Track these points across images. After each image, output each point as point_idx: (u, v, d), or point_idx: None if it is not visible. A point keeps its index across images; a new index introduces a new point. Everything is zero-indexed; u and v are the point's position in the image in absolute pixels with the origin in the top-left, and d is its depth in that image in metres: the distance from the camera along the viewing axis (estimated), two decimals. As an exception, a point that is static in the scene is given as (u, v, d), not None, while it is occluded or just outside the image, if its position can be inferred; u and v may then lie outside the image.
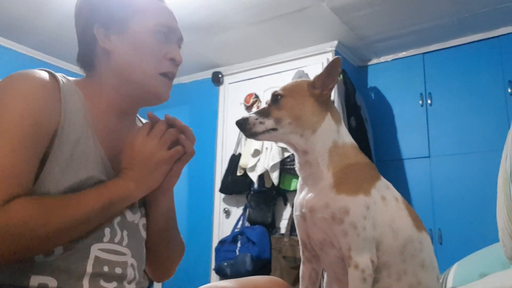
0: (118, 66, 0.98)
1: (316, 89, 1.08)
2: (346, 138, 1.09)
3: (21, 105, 0.83)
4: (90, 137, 0.92)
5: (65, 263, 0.85)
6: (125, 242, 0.95)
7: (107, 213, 0.90)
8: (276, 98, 1.08)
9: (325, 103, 1.09)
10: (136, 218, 1.00)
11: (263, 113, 1.07)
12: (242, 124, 1.07)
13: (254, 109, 3.69)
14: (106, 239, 0.91)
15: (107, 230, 0.92)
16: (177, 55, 1.02)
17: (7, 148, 0.80)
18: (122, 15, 0.98)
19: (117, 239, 0.93)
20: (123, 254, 0.94)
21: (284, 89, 1.09)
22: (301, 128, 1.06)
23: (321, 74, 1.07)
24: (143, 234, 1.03)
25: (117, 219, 0.94)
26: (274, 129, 1.06)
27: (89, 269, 0.87)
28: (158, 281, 1.16)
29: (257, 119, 1.06)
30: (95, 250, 0.89)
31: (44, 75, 0.90)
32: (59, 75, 0.93)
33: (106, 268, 0.89)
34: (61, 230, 0.81)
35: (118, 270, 0.92)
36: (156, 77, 1.00)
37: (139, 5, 1.00)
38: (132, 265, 0.96)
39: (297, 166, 1.12)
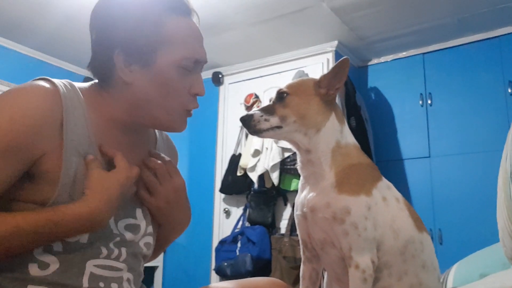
0: (136, 99, 0.92)
1: (322, 88, 1.06)
2: (349, 138, 1.09)
3: (4, 126, 0.79)
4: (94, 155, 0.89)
5: (61, 278, 0.84)
6: (122, 257, 0.93)
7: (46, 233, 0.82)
8: (281, 95, 1.07)
9: (330, 103, 1.08)
10: (137, 237, 0.98)
11: (268, 111, 1.06)
12: (247, 121, 1.05)
13: (255, 109, 3.67)
14: (102, 255, 0.90)
15: (103, 249, 0.90)
16: (200, 89, 0.96)
17: None
18: (148, 46, 0.90)
19: (113, 256, 0.92)
20: (119, 269, 0.93)
21: (290, 87, 1.08)
22: (306, 127, 1.05)
23: (328, 73, 1.06)
24: (145, 251, 1.01)
25: (114, 240, 0.92)
26: (278, 127, 1.05)
27: (85, 284, 0.86)
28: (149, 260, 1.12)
29: (262, 116, 1.05)
30: (91, 266, 0.87)
31: (46, 92, 0.85)
32: (62, 84, 0.89)
33: (101, 284, 0.88)
34: None
35: (114, 286, 0.91)
36: (177, 113, 0.96)
37: (167, 36, 0.91)
38: (128, 279, 0.94)
39: (298, 165, 1.10)
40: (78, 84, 0.94)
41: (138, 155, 1.00)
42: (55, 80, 0.89)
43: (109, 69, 0.92)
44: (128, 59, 0.90)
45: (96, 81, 0.98)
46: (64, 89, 0.88)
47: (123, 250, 0.94)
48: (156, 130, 1.12)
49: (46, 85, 0.86)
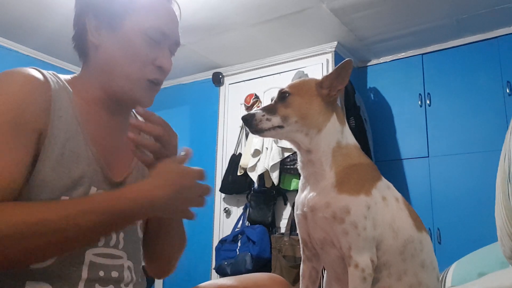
0: (103, 63, 0.94)
1: (324, 89, 1.07)
2: (350, 138, 1.09)
3: (6, 106, 0.80)
4: (80, 134, 0.89)
5: (60, 269, 0.83)
6: (121, 245, 0.93)
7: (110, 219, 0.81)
8: (283, 95, 1.07)
9: (331, 104, 1.08)
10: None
11: (270, 110, 1.06)
12: (248, 120, 1.05)
13: (257, 109, 3.67)
14: (100, 243, 0.89)
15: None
16: (165, 62, 0.96)
17: None
18: (117, 11, 0.93)
19: (112, 243, 0.92)
20: (119, 257, 0.92)
21: (292, 87, 1.08)
22: (307, 127, 1.05)
23: (330, 74, 1.06)
24: (140, 234, 1.01)
25: None
26: (280, 127, 1.05)
27: (84, 274, 0.85)
28: (159, 278, 1.12)
29: (264, 115, 1.05)
30: (90, 255, 0.87)
31: (34, 73, 0.87)
32: (49, 73, 0.91)
33: (101, 273, 0.88)
34: (40, 234, 0.74)
35: (114, 274, 0.90)
36: (139, 82, 0.95)
37: (137, 4, 0.94)
38: (128, 267, 0.94)
39: (299, 165, 1.11)
40: (61, 76, 0.96)
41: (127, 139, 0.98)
42: (39, 69, 0.91)
43: (83, 36, 0.95)
44: (98, 23, 0.93)
45: (76, 73, 1.00)
46: (50, 75, 0.91)
47: (121, 236, 0.93)
48: (140, 119, 1.09)
49: (32, 70, 0.89)
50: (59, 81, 0.92)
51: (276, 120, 1.05)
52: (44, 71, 0.90)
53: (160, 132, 0.89)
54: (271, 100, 1.10)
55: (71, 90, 0.92)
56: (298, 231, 1.12)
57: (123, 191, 0.83)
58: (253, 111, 1.07)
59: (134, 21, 0.93)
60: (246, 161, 3.61)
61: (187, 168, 0.88)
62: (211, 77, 4.22)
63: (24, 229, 0.72)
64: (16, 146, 0.79)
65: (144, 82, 0.95)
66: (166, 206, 0.84)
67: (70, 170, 0.85)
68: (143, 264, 1.07)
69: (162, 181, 0.84)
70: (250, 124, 1.06)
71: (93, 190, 0.89)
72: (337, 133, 1.07)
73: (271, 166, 3.38)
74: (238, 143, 3.92)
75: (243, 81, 4.10)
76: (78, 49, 0.99)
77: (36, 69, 0.89)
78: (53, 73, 0.93)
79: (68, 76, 0.98)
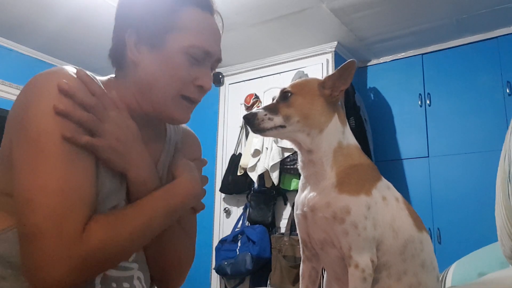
0: (141, 80, 0.92)
1: (326, 89, 1.06)
2: (351, 139, 1.09)
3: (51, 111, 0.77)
4: None
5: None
6: (132, 257, 0.93)
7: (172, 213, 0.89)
8: (285, 95, 1.06)
9: (333, 104, 1.07)
10: None
11: (272, 110, 1.05)
12: (250, 119, 1.04)
13: (258, 108, 3.67)
14: None
15: None
16: (206, 82, 0.94)
17: (63, 167, 0.75)
18: (159, 28, 0.90)
19: None
20: (130, 268, 0.92)
21: (294, 86, 1.07)
22: (309, 127, 1.05)
23: (333, 75, 1.05)
24: None
25: None
26: (282, 126, 1.04)
27: (98, 286, 0.85)
28: None
29: (266, 115, 1.04)
30: None
31: (74, 75, 0.84)
32: (87, 74, 0.89)
33: (114, 285, 0.87)
34: (132, 241, 0.81)
35: (126, 285, 0.90)
36: (175, 100, 0.93)
37: (180, 22, 0.91)
38: (138, 278, 0.94)
39: (300, 165, 1.10)
40: (98, 77, 0.94)
41: (152, 150, 0.99)
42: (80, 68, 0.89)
43: (121, 50, 0.93)
44: (138, 39, 0.91)
45: (113, 75, 0.98)
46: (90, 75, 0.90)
47: None
48: (168, 126, 1.10)
49: (71, 69, 0.86)
50: (98, 82, 0.90)
51: (278, 120, 1.04)
52: (84, 71, 0.88)
53: (92, 102, 0.82)
54: (273, 100, 1.09)
55: (105, 92, 0.90)
56: (298, 231, 1.11)
57: (172, 189, 0.90)
58: (255, 110, 1.06)
59: (176, 40, 0.91)
60: (246, 161, 3.61)
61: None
62: (211, 77, 4.22)
63: (137, 234, 0.82)
64: (80, 159, 0.78)
65: (181, 100, 0.94)
66: (200, 198, 0.95)
67: (104, 184, 0.85)
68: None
69: (194, 177, 0.93)
70: (252, 123, 1.05)
71: (123, 205, 0.89)
72: (338, 133, 1.07)
73: (271, 166, 3.39)
74: (238, 143, 3.92)
75: (243, 81, 4.10)
76: (115, 61, 0.97)
77: (78, 69, 0.87)
78: (92, 74, 0.91)
79: (104, 78, 0.96)
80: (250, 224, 3.54)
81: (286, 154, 3.40)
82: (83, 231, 0.74)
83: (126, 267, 0.91)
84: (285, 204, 3.58)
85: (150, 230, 0.85)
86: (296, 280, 3.06)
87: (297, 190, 1.12)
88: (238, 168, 3.70)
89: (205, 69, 0.95)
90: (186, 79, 0.92)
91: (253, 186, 3.60)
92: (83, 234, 0.74)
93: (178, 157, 1.02)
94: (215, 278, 3.71)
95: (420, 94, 3.66)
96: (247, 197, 3.68)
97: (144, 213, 0.83)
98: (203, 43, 0.92)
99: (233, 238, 3.54)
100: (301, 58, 3.82)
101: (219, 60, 0.99)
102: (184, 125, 1.16)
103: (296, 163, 1.11)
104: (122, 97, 0.93)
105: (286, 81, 3.57)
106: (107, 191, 0.85)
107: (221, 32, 1.00)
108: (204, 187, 0.99)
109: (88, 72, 0.89)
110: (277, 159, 3.38)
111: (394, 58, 3.88)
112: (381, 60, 3.95)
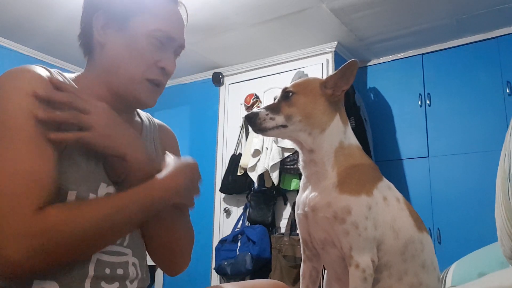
0: (108, 61, 0.96)
1: (328, 89, 1.07)
2: (352, 139, 1.09)
3: (25, 102, 0.80)
4: None
5: (67, 267, 0.83)
6: (126, 242, 0.94)
7: (148, 209, 0.89)
8: (287, 94, 1.06)
9: (335, 104, 1.08)
10: None
11: (274, 109, 1.05)
12: (252, 119, 1.05)
13: (260, 108, 3.67)
14: None
15: None
16: (168, 64, 0.98)
17: (23, 150, 0.78)
18: (124, 11, 0.95)
19: (118, 241, 0.92)
20: (124, 254, 0.93)
21: (296, 86, 1.07)
22: (311, 127, 1.05)
23: (335, 74, 1.05)
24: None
25: None
26: (284, 126, 1.04)
27: (91, 272, 0.86)
28: (176, 273, 1.11)
29: (267, 114, 1.04)
30: (97, 253, 0.87)
31: (41, 71, 0.87)
32: (54, 71, 0.91)
33: (107, 270, 0.88)
34: (96, 229, 0.80)
35: (119, 271, 0.91)
36: (141, 82, 0.96)
37: (144, 5, 0.96)
38: (133, 263, 0.95)
39: (301, 164, 1.10)
40: (66, 74, 0.97)
41: None
42: (45, 67, 0.92)
43: (89, 33, 0.97)
44: (105, 22, 0.95)
45: (80, 72, 1.01)
46: (56, 73, 0.92)
47: None
48: (143, 118, 1.12)
49: (39, 67, 0.89)
50: (65, 79, 0.93)
51: (280, 119, 1.04)
52: (50, 69, 0.91)
53: (68, 99, 0.85)
54: (274, 99, 1.09)
55: (76, 87, 0.92)
56: (298, 231, 1.12)
57: (151, 183, 0.89)
58: (256, 110, 1.06)
59: (141, 22, 0.95)
60: (246, 161, 3.61)
61: (192, 162, 0.99)
62: (211, 77, 4.22)
63: (101, 224, 0.81)
64: (43, 144, 0.80)
65: (146, 82, 0.97)
66: (185, 192, 0.94)
67: (79, 166, 0.87)
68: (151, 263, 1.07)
69: (179, 171, 0.93)
70: (254, 123, 1.05)
71: (103, 186, 0.91)
72: (340, 133, 1.07)
73: (271, 166, 3.39)
74: (238, 143, 3.92)
75: (243, 81, 4.10)
76: (84, 47, 1.00)
77: (43, 67, 0.90)
78: (58, 71, 0.94)
79: (72, 75, 0.99)
80: (250, 224, 3.54)
81: (286, 154, 3.40)
82: (38, 211, 0.75)
83: (120, 252, 0.92)
84: (285, 204, 3.58)
85: (121, 221, 0.84)
86: (296, 280, 3.06)
87: (297, 190, 1.12)
88: (238, 168, 3.70)
89: (169, 53, 0.99)
90: (150, 62, 0.96)
91: (253, 186, 3.60)
92: (39, 213, 0.75)
93: (161, 152, 1.05)
94: (215, 278, 3.71)
95: (420, 94, 3.66)
96: (247, 197, 3.68)
97: (113, 204, 0.83)
98: (167, 27, 0.97)
99: (233, 238, 3.54)
100: (301, 58, 3.82)
101: (182, 46, 1.03)
102: (158, 120, 1.19)
103: (296, 163, 1.11)
104: (92, 88, 0.96)
105: (286, 81, 3.57)
106: (83, 172, 0.87)
107: (185, 23, 1.05)
108: (199, 186, 1.00)
109: (53, 70, 0.91)
110: (277, 159, 3.38)
111: (394, 58, 3.88)
112: (381, 60, 3.95)
